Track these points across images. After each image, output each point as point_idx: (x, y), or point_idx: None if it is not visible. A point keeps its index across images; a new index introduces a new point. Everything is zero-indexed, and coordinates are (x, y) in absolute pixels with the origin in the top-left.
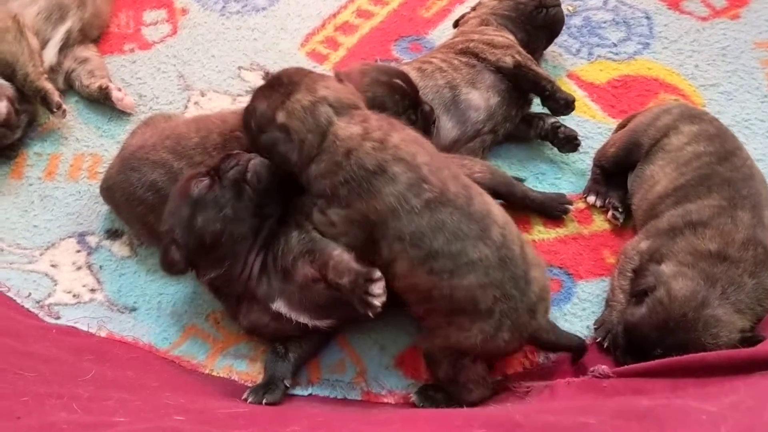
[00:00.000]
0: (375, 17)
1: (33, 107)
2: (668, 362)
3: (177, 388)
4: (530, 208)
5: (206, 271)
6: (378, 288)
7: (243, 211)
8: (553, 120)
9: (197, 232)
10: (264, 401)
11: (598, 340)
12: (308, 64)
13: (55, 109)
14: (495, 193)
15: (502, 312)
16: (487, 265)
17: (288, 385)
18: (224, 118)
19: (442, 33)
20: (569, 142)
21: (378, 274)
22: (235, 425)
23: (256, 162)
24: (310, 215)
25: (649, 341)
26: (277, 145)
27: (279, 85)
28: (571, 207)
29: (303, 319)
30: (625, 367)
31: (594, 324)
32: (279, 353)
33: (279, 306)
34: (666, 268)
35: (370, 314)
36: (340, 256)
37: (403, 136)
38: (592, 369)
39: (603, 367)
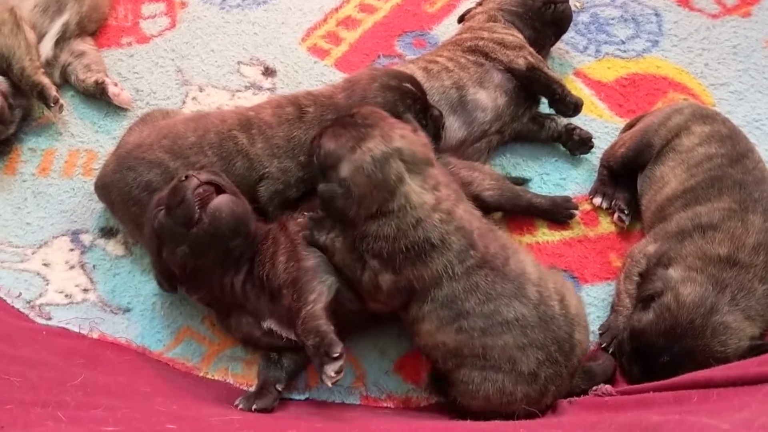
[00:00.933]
0: (378, 12)
1: (28, 102)
2: (672, 382)
3: (170, 393)
4: (534, 214)
5: (189, 293)
6: (332, 369)
7: (202, 248)
8: (566, 122)
9: (164, 263)
10: (254, 407)
11: (603, 346)
12: (309, 59)
13: (52, 104)
14: (500, 207)
15: (547, 377)
16: (525, 324)
17: (280, 390)
18: (223, 117)
19: (447, 29)
20: (584, 144)
21: (338, 351)
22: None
23: (216, 207)
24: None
25: (655, 348)
26: (334, 200)
27: (352, 126)
28: (576, 211)
29: (294, 336)
30: (628, 387)
31: (599, 329)
32: (272, 359)
33: (270, 324)
34: (674, 272)
35: (327, 383)
36: (313, 308)
37: (466, 207)
38: (594, 388)
39: (605, 386)
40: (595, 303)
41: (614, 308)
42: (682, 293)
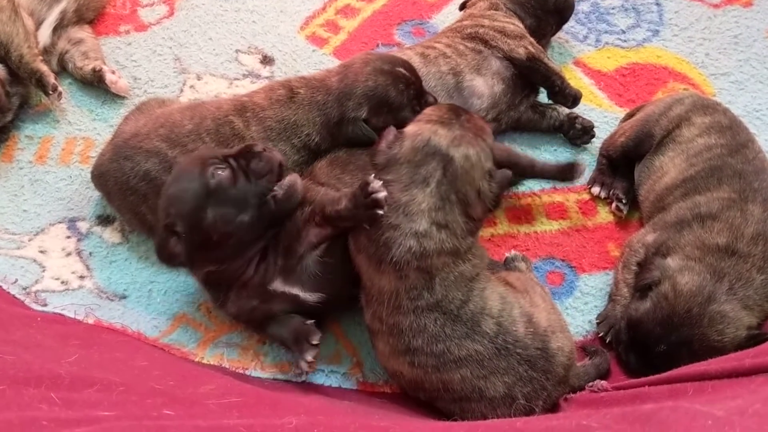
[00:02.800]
0: (377, 0)
1: (25, 89)
2: (668, 376)
3: (166, 367)
4: (539, 174)
5: (203, 266)
6: (381, 194)
7: (260, 221)
8: (568, 111)
9: (205, 228)
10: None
11: (600, 335)
12: (308, 47)
13: (50, 92)
14: (504, 164)
15: (526, 395)
16: (480, 358)
17: (311, 321)
18: (219, 105)
19: (446, 18)
20: (586, 133)
21: (371, 178)
22: (227, 417)
23: (292, 182)
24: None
25: (652, 337)
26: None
27: (452, 112)
28: (583, 165)
29: (296, 290)
30: (623, 382)
31: (596, 318)
32: (281, 320)
33: (275, 285)
34: (672, 261)
35: (380, 213)
36: (331, 193)
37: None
38: (590, 384)
39: (601, 382)
40: (592, 293)
41: (612, 298)
42: (679, 282)
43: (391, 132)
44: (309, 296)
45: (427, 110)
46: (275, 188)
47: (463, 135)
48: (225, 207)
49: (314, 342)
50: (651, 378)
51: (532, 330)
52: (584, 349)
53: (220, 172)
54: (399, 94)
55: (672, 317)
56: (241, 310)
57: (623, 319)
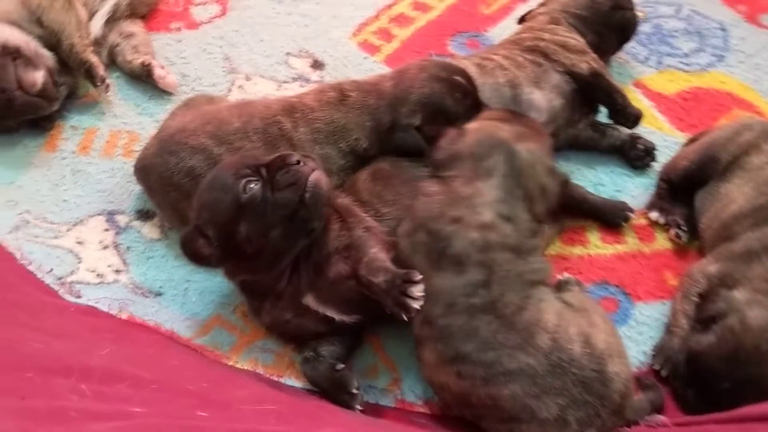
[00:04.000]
0: (432, 11)
1: (73, 80)
2: (735, 415)
3: (200, 368)
4: (587, 212)
5: (236, 275)
6: (418, 290)
7: (294, 232)
8: (629, 131)
9: (238, 241)
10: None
11: (655, 368)
12: (359, 54)
13: (99, 83)
14: None
15: (579, 420)
16: (533, 373)
17: (341, 368)
18: (268, 104)
19: (503, 31)
20: (647, 155)
21: (418, 275)
22: (264, 423)
23: (316, 177)
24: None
25: (715, 373)
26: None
27: (520, 115)
28: (632, 214)
29: (330, 312)
30: (685, 418)
31: (652, 350)
32: (309, 358)
33: (308, 300)
34: (739, 294)
35: (404, 317)
36: (377, 254)
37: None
38: (647, 418)
39: (661, 417)
40: (647, 322)
41: (669, 329)
42: (748, 316)
43: (452, 130)
44: (345, 318)
45: (486, 113)
46: (304, 192)
47: (526, 131)
48: (257, 221)
49: (354, 391)
50: (717, 416)
51: (588, 351)
52: (638, 382)
53: (252, 186)
54: (455, 103)
55: (738, 353)
56: (275, 322)
57: (682, 353)
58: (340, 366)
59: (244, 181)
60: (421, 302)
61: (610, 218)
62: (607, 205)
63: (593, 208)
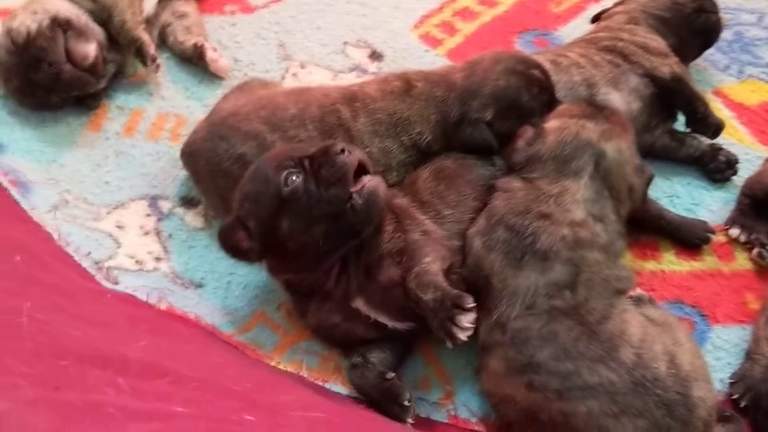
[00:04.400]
0: (498, 6)
1: (122, 58)
2: None
3: (243, 368)
4: (663, 230)
5: (280, 273)
6: (467, 320)
7: (340, 232)
8: (710, 141)
9: (280, 236)
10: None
11: (734, 398)
12: (420, 47)
13: (149, 63)
14: None
15: None
16: (613, 390)
17: (391, 377)
18: (327, 92)
19: (573, 31)
20: (729, 168)
21: (471, 302)
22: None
23: (374, 184)
24: None
25: None
26: (517, 137)
27: (593, 106)
28: (713, 237)
29: (382, 318)
30: None
31: (730, 378)
32: (357, 365)
33: (357, 304)
34: None
35: (449, 344)
36: (429, 265)
37: (598, 256)
38: None
39: None
40: (725, 347)
41: (750, 356)
42: None
43: (528, 129)
44: (399, 325)
45: (562, 107)
46: (354, 196)
47: (612, 128)
48: (299, 217)
49: (407, 403)
50: None
51: (674, 371)
52: (715, 412)
53: (294, 178)
54: (531, 98)
55: None
56: (322, 325)
57: (765, 382)
58: (391, 375)
59: (285, 173)
60: (470, 333)
61: (688, 238)
62: (686, 223)
63: (670, 226)
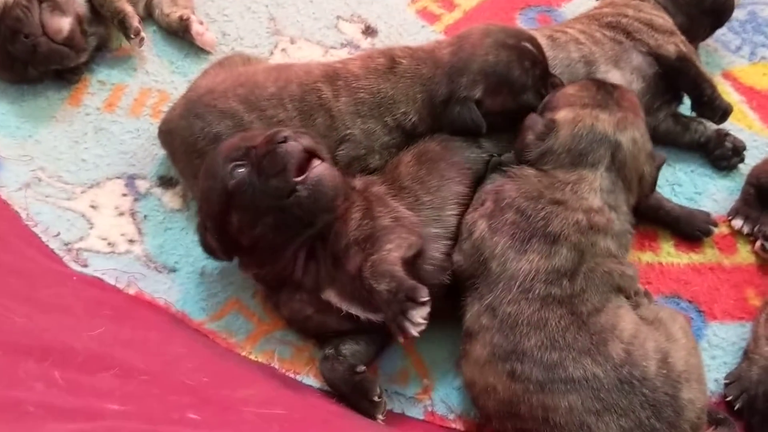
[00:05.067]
0: None
1: (105, 31)
2: None
3: (205, 359)
4: (662, 221)
5: (247, 267)
6: (419, 315)
7: (288, 224)
8: (716, 126)
9: (232, 232)
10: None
11: (728, 399)
12: (417, 22)
13: (132, 36)
14: None
15: None
16: (598, 386)
17: (361, 371)
18: (309, 69)
19: (578, 8)
20: (736, 155)
21: (425, 295)
22: (264, 430)
23: (320, 172)
24: None
25: None
26: (530, 128)
27: (605, 92)
28: (715, 229)
29: (354, 310)
30: None
31: (725, 378)
32: (328, 356)
33: (328, 295)
34: None
35: (400, 339)
36: (389, 253)
37: (609, 244)
38: None
39: None
40: (722, 345)
41: (747, 355)
42: None
43: (537, 121)
44: (372, 316)
45: (571, 90)
46: (298, 187)
47: (625, 116)
48: (247, 210)
49: (376, 399)
50: None
51: (665, 371)
52: (708, 414)
53: (239, 170)
54: (523, 72)
55: None
56: (294, 316)
57: (762, 384)
58: (361, 368)
59: (231, 165)
60: (421, 328)
61: (688, 230)
62: (687, 214)
63: (669, 217)
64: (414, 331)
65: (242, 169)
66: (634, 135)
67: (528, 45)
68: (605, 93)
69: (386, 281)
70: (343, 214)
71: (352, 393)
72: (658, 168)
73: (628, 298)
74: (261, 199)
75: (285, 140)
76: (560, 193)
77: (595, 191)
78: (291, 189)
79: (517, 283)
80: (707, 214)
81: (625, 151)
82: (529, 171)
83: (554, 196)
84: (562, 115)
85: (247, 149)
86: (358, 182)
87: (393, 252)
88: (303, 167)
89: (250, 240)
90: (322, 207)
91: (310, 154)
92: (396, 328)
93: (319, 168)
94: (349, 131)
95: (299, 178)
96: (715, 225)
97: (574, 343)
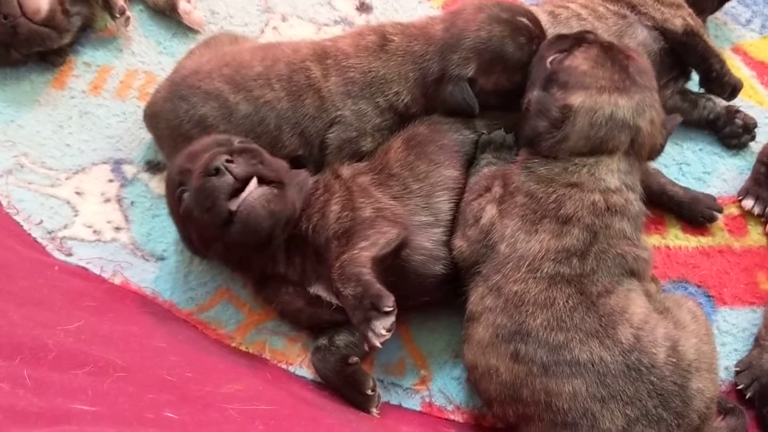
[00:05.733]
0: None
1: (89, 10)
2: None
3: (188, 355)
4: (666, 206)
5: (225, 264)
6: (381, 325)
7: (237, 245)
8: (726, 102)
9: (194, 248)
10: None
11: (739, 387)
12: None
13: (117, 15)
14: None
15: None
16: (604, 371)
17: (354, 362)
18: (297, 48)
19: None
20: (746, 132)
21: (390, 304)
22: (246, 429)
23: (248, 206)
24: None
25: None
26: (541, 117)
27: (620, 67)
28: (719, 215)
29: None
30: None
31: (736, 366)
32: (320, 347)
33: (317, 290)
34: None
35: (364, 347)
36: (360, 252)
37: (624, 226)
38: None
39: None
40: (732, 332)
41: (759, 342)
42: None
43: (549, 106)
44: None
45: (584, 67)
46: (233, 217)
47: (643, 97)
48: (199, 231)
49: (369, 392)
50: None
51: (674, 360)
52: (717, 404)
53: (184, 197)
54: (518, 49)
55: None
56: (286, 309)
57: None
58: (354, 359)
59: (178, 191)
60: (384, 339)
61: (691, 215)
62: (691, 199)
63: (672, 202)
64: (376, 342)
65: (186, 195)
66: (651, 116)
67: (522, 20)
68: (621, 69)
69: (352, 286)
70: (321, 207)
71: (345, 385)
72: (670, 133)
73: (640, 281)
74: (204, 228)
75: (216, 172)
76: (576, 176)
77: (612, 172)
78: (225, 220)
79: (527, 263)
80: (712, 199)
81: (644, 134)
82: (537, 159)
83: (568, 180)
84: (579, 101)
85: (190, 173)
86: (346, 171)
87: (364, 251)
88: (239, 191)
89: (214, 253)
90: (258, 233)
91: (247, 179)
92: (360, 336)
93: (250, 198)
94: (339, 113)
95: (233, 207)
96: (720, 210)
97: (581, 324)
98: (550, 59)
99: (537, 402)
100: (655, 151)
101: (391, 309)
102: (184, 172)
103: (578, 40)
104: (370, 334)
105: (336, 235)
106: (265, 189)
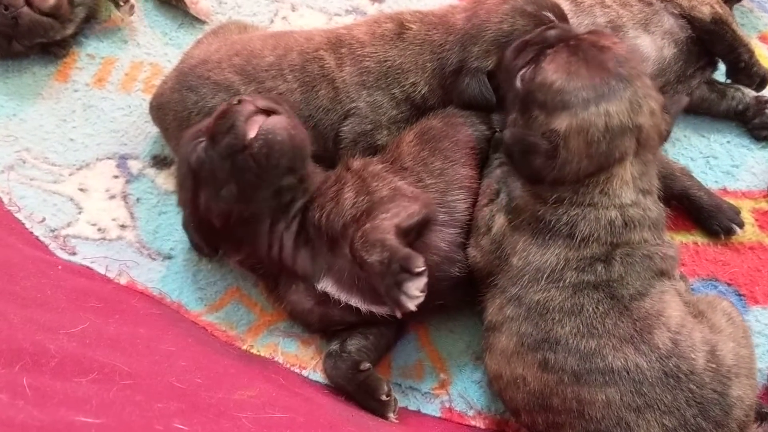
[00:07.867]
0: None
1: (93, 1)
2: None
3: (198, 359)
4: (687, 208)
5: (230, 254)
6: (414, 287)
7: (251, 188)
8: (755, 93)
9: (202, 214)
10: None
11: None
12: None
13: (121, 4)
14: None
15: None
16: (640, 379)
17: (366, 368)
18: (310, 36)
19: None
20: None
21: (421, 264)
22: None
23: (272, 123)
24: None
25: None
26: (529, 152)
27: (598, 66)
28: (738, 230)
29: (354, 301)
30: None
31: None
32: (332, 353)
33: (325, 285)
34: None
35: (397, 314)
36: (382, 222)
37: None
38: None
39: None
40: (765, 332)
41: None
42: None
43: (534, 141)
44: (375, 308)
45: (558, 83)
46: (251, 143)
47: (634, 90)
48: (209, 185)
49: (384, 398)
50: None
51: (714, 366)
52: None
53: (199, 146)
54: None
55: None
56: (296, 309)
57: None
58: (366, 365)
59: (192, 144)
60: (418, 301)
61: (708, 224)
62: (713, 206)
63: (692, 207)
64: (410, 305)
65: (201, 144)
66: (650, 106)
67: (549, 15)
68: (598, 69)
69: (377, 251)
70: (334, 195)
71: (358, 392)
72: (676, 116)
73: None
74: (218, 165)
75: (238, 102)
76: (588, 197)
77: (627, 184)
78: (243, 145)
79: (545, 275)
80: (736, 211)
81: (648, 128)
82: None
83: (579, 201)
84: (565, 124)
85: (207, 126)
86: (356, 162)
87: (387, 220)
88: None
89: (220, 218)
90: (278, 159)
91: (267, 112)
92: (392, 303)
93: (271, 119)
94: (354, 104)
95: (251, 134)
96: (741, 226)
97: (614, 329)
98: (518, 76)
99: (569, 410)
100: (662, 136)
101: (422, 269)
102: (200, 127)
103: (541, 47)
104: (403, 297)
105: (354, 219)
106: (284, 117)
